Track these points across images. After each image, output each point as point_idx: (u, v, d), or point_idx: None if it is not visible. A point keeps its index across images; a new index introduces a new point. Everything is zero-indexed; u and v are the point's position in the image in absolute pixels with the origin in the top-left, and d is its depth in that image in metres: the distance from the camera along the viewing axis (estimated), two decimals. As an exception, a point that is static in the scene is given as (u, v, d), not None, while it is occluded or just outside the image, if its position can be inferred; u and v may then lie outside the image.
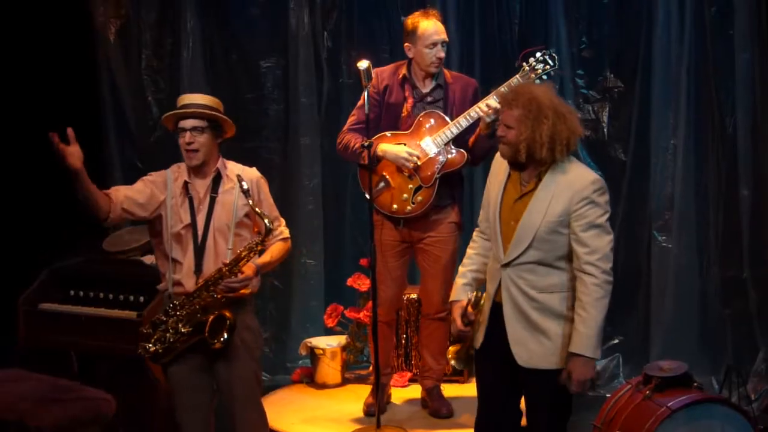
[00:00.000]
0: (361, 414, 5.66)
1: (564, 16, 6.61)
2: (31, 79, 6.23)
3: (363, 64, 5.08)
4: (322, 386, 6.23)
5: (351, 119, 5.54)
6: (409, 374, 6.14)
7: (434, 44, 5.37)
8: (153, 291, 5.25)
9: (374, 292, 5.12)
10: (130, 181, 6.83)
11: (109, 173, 6.90)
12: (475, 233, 4.33)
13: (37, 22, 6.25)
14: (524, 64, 5.34)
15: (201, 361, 4.46)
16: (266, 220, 4.36)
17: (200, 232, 4.44)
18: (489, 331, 4.12)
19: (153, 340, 4.43)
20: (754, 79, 6.13)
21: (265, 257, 4.53)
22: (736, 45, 6.16)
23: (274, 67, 6.97)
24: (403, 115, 5.46)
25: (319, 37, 6.89)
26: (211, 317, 4.33)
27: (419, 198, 5.36)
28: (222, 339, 4.34)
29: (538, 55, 5.33)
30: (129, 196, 4.48)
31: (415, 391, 5.89)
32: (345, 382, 6.30)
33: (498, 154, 4.16)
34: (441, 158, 5.38)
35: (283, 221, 4.68)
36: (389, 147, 5.38)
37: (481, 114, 5.24)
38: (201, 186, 4.50)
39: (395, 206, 5.42)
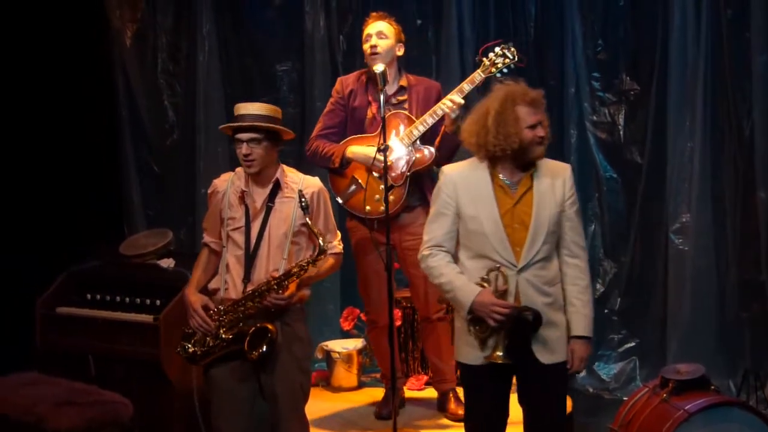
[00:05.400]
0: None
1: (579, 18, 6.62)
2: (48, 83, 6.26)
3: (379, 67, 5.08)
4: (338, 389, 6.21)
5: (318, 126, 5.60)
6: (425, 377, 6.13)
7: (368, 37, 5.45)
8: (169, 294, 5.27)
9: (390, 296, 5.09)
10: (145, 184, 6.94)
11: (124, 177, 6.92)
12: (435, 251, 4.13)
13: (53, 25, 6.28)
14: (484, 58, 5.34)
15: (244, 368, 4.38)
16: (320, 239, 4.33)
17: (253, 241, 4.41)
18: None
19: (193, 341, 4.40)
20: (771, 81, 6.12)
21: (311, 271, 4.45)
22: (752, 47, 6.13)
23: (290, 71, 7.00)
24: (368, 117, 5.49)
25: (335, 41, 6.91)
26: (252, 328, 4.29)
27: (391, 198, 5.31)
28: (261, 351, 4.27)
29: (497, 49, 5.34)
30: (215, 227, 4.55)
31: (432, 394, 5.88)
32: (361, 385, 6.28)
33: (453, 172, 4.15)
34: (410, 157, 5.38)
35: (338, 235, 4.63)
36: (358, 149, 5.39)
37: (447, 110, 5.26)
38: (259, 194, 4.45)
39: (368, 207, 5.40)
